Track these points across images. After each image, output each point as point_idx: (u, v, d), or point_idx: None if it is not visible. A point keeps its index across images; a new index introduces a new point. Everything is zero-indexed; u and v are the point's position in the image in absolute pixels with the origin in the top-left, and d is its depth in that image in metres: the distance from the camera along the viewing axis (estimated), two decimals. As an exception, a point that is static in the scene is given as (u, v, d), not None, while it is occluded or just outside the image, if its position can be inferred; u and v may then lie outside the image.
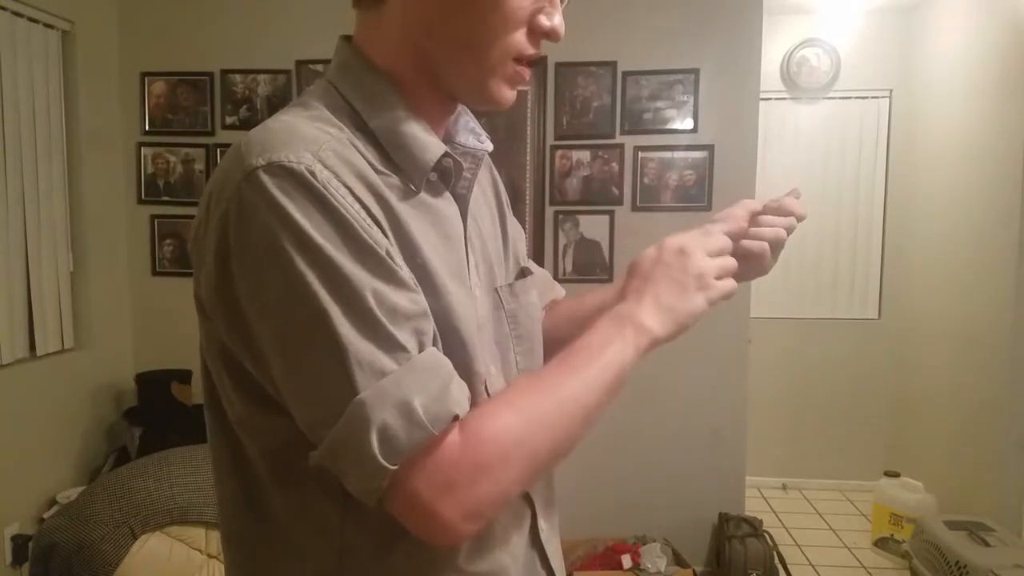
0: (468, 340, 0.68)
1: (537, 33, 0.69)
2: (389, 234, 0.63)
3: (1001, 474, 2.80)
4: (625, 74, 2.82)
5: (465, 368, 0.67)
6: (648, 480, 2.89)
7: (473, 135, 0.80)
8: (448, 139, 0.78)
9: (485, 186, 0.87)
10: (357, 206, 0.61)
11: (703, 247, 0.73)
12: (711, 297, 0.72)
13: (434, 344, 0.63)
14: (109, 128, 2.95)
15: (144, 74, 2.98)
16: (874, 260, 3.84)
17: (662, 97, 2.83)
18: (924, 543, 2.70)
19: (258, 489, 0.68)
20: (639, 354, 0.69)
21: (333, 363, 0.57)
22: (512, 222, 0.92)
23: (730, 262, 0.75)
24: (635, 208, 2.85)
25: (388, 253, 0.61)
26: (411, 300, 0.61)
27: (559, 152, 2.87)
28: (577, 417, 0.65)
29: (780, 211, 0.82)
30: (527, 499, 0.78)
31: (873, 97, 3.77)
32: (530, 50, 0.70)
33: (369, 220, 0.61)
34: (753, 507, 3.23)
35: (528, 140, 2.86)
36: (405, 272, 0.63)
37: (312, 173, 0.59)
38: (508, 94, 0.72)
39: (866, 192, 3.82)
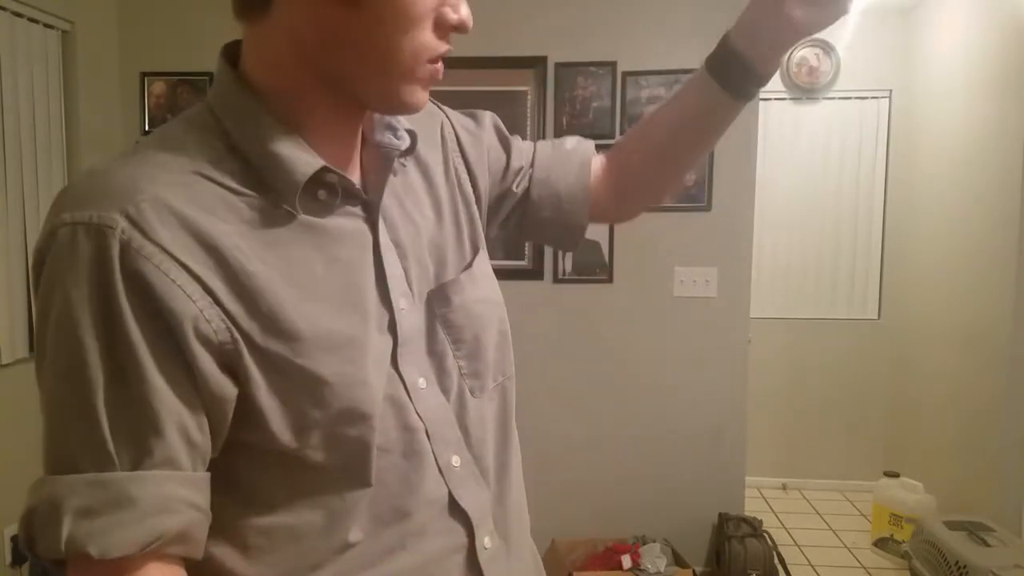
0: (337, 384, 0.61)
1: (445, 28, 0.63)
2: (218, 288, 0.57)
3: (1001, 474, 2.80)
4: (625, 74, 2.82)
5: (350, 410, 0.62)
6: (648, 480, 2.89)
7: (389, 130, 0.73)
8: (364, 139, 0.72)
9: (430, 164, 0.78)
10: (166, 266, 0.55)
11: None
12: None
13: (168, 461, 0.56)
14: (109, 128, 2.95)
15: (144, 74, 2.98)
16: (874, 260, 3.84)
17: (662, 97, 2.82)
18: (924, 543, 2.70)
19: None
20: None
21: (47, 432, 0.58)
22: (472, 194, 0.82)
23: None
24: (635, 208, 2.85)
25: (181, 333, 0.55)
26: (145, 414, 0.55)
27: (559, 152, 2.86)
28: None
29: None
30: (457, 512, 0.69)
31: (873, 97, 3.77)
32: (441, 48, 0.64)
33: (185, 278, 0.56)
34: (753, 507, 3.23)
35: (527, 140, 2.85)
36: (172, 373, 0.56)
37: (111, 233, 0.54)
38: (423, 97, 0.65)
39: (866, 192, 3.82)
